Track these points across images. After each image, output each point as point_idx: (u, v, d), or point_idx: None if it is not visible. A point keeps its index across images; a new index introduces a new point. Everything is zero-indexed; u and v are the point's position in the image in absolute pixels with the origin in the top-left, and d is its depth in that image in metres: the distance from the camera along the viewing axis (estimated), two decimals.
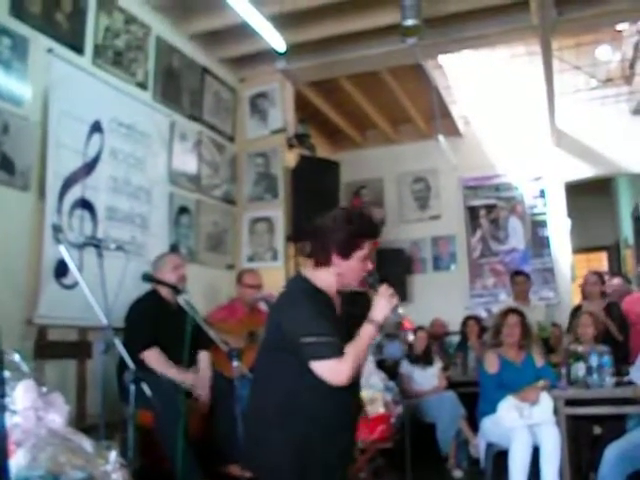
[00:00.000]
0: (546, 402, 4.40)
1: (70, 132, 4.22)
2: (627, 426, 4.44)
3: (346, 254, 2.38)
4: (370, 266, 2.42)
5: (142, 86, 5.06)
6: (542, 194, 7.98)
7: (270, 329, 2.44)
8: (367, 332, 2.33)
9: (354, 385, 2.40)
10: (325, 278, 2.43)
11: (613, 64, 7.07)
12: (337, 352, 2.25)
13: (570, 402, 4.48)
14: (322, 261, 2.44)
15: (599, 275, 5.98)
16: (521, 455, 4.17)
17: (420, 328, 6.44)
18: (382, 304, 2.35)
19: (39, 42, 4.04)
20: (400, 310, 2.37)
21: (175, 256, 4.52)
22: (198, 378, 4.05)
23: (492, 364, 4.71)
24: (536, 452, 4.26)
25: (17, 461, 2.07)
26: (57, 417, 2.42)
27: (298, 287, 2.46)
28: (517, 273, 6.88)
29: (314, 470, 2.30)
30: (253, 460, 2.40)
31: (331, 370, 2.25)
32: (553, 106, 6.97)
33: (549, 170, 7.94)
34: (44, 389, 2.45)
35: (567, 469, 4.29)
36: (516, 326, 4.75)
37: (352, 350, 2.28)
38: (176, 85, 5.51)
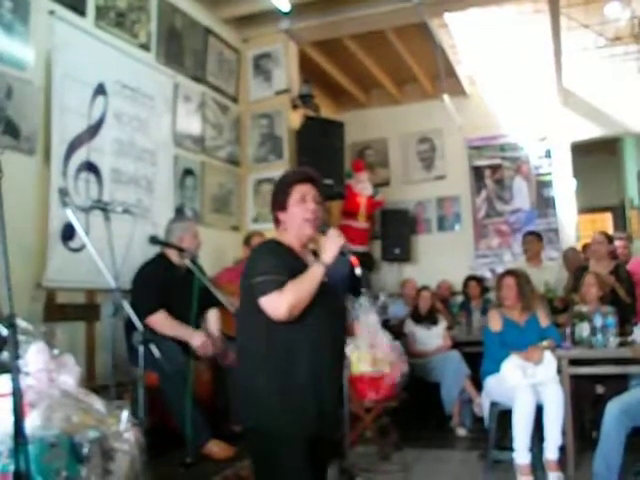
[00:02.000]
0: (550, 361, 4.44)
1: (74, 95, 4.20)
2: (629, 385, 4.49)
3: (282, 206, 2.48)
4: (311, 208, 2.45)
5: (145, 47, 5.02)
6: (548, 154, 7.93)
7: (241, 285, 2.49)
8: (314, 271, 2.35)
9: (330, 319, 2.43)
10: (284, 238, 2.50)
11: (622, 22, 6.96)
12: (279, 286, 2.28)
13: (574, 362, 4.53)
14: (277, 224, 2.55)
15: (606, 235, 5.93)
16: (524, 414, 4.22)
17: (425, 288, 6.48)
18: (329, 246, 2.39)
19: (40, 4, 4.00)
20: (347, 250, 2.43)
21: (194, 223, 4.54)
22: (208, 335, 4.08)
23: (495, 322, 4.75)
24: (539, 411, 4.31)
25: (32, 421, 2.11)
26: (69, 378, 2.46)
27: (263, 244, 2.58)
28: (528, 233, 6.85)
29: (301, 415, 2.31)
30: (243, 413, 2.41)
31: (269, 303, 2.29)
32: (560, 65, 6.90)
33: (555, 130, 7.88)
34: (55, 351, 2.49)
35: (570, 427, 4.35)
36: (510, 288, 4.74)
37: (292, 285, 2.30)
38: (179, 46, 5.47)
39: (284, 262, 2.38)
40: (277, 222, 2.55)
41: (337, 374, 2.50)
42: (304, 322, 2.33)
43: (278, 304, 2.28)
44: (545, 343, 4.56)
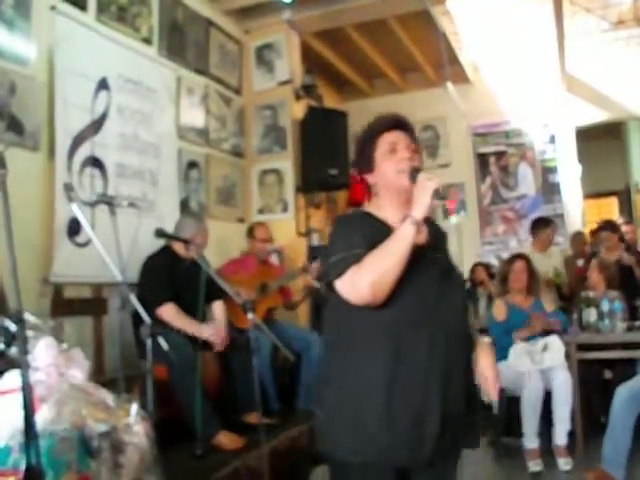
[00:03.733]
0: (558, 347, 4.45)
1: (77, 90, 4.21)
2: (637, 369, 4.49)
3: (369, 165, 2.01)
4: (405, 157, 1.96)
5: (147, 41, 5.02)
6: (552, 140, 7.90)
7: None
8: (401, 232, 1.81)
9: (437, 297, 1.86)
10: (378, 203, 2.02)
11: (625, 5, 6.91)
12: (354, 262, 1.80)
13: (581, 347, 4.53)
14: (367, 193, 2.08)
15: (612, 225, 5.87)
16: (533, 399, 4.23)
17: None
18: (419, 195, 1.86)
19: None
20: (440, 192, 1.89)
21: (202, 223, 4.54)
22: (215, 328, 4.08)
23: (500, 312, 4.75)
24: (548, 396, 4.32)
25: (42, 416, 2.12)
26: (78, 372, 2.47)
27: (342, 217, 2.11)
28: (541, 221, 6.75)
29: (389, 439, 1.76)
30: (319, 437, 1.95)
31: (345, 285, 1.81)
32: (563, 50, 6.86)
33: (559, 115, 7.85)
34: (64, 346, 2.50)
35: (578, 412, 4.37)
36: (522, 272, 4.77)
37: (371, 256, 1.79)
38: (181, 39, 5.46)
39: (366, 234, 1.86)
40: (367, 189, 2.07)
41: (455, 377, 1.85)
42: (398, 305, 1.79)
43: (356, 284, 1.77)
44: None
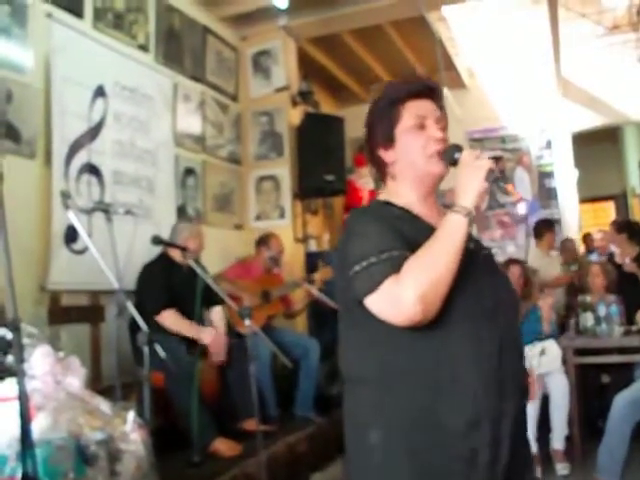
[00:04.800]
0: (555, 351, 4.45)
1: (74, 98, 4.21)
2: (634, 374, 4.49)
3: (388, 138, 1.58)
4: (437, 136, 1.54)
5: (144, 48, 5.02)
6: (548, 145, 7.92)
7: (338, 288, 1.56)
8: (450, 227, 1.40)
9: (493, 310, 1.45)
10: (397, 190, 1.60)
11: (620, 11, 6.94)
12: (392, 269, 1.36)
13: (578, 351, 4.54)
14: (383, 172, 1.64)
15: (618, 225, 5.81)
16: (530, 404, 4.23)
17: None
18: (468, 177, 1.45)
19: (38, 7, 4.00)
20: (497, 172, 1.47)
21: (197, 226, 4.54)
22: (215, 335, 4.07)
23: None
24: (545, 401, 4.32)
25: (39, 424, 2.13)
26: (75, 381, 2.48)
27: (357, 210, 1.66)
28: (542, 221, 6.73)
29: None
30: None
31: (381, 300, 1.36)
32: (559, 55, 6.88)
33: (555, 120, 7.87)
34: (61, 354, 2.50)
35: (576, 417, 4.37)
36: (518, 277, 4.71)
37: (417, 259, 1.36)
38: (178, 46, 5.47)
39: (396, 230, 1.45)
40: (380, 170, 1.64)
41: (515, 410, 1.44)
42: (446, 324, 1.38)
43: (398, 299, 1.33)
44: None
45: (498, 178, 1.45)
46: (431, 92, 1.61)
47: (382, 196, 1.62)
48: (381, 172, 1.64)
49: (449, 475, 1.37)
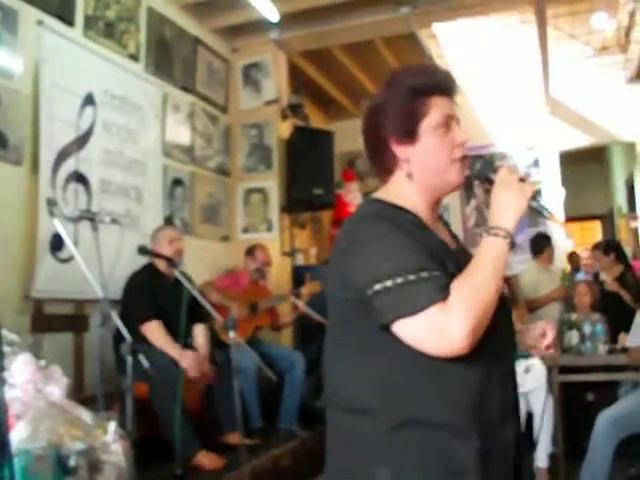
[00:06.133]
0: (539, 369, 4.46)
1: (62, 105, 4.19)
2: (618, 392, 4.50)
3: (410, 133, 1.40)
4: (461, 140, 1.43)
5: (134, 58, 5.01)
6: (536, 163, 7.96)
7: (329, 298, 1.43)
8: (494, 250, 1.30)
9: (501, 343, 1.37)
10: (401, 191, 1.43)
11: (608, 32, 7.02)
12: (438, 294, 1.23)
13: (563, 369, 4.54)
14: (385, 167, 1.46)
15: (603, 246, 5.83)
16: None
17: None
18: (507, 197, 1.37)
19: (29, 14, 3.99)
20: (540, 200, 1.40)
21: (171, 229, 4.51)
22: (195, 356, 3.97)
23: None
24: (529, 418, 4.32)
25: (18, 434, 2.10)
26: (56, 389, 2.44)
27: (364, 212, 1.44)
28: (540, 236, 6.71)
29: None
30: None
31: (424, 328, 1.23)
32: (548, 75, 6.94)
33: (543, 139, 7.92)
34: (42, 362, 2.47)
35: (560, 435, 4.36)
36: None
37: (462, 287, 1.24)
38: (168, 56, 5.47)
39: (423, 243, 1.32)
40: (387, 163, 1.45)
41: (516, 438, 1.39)
42: (473, 355, 1.25)
43: (446, 328, 1.21)
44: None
45: (540, 204, 1.40)
46: (453, 91, 1.50)
47: (380, 195, 1.45)
48: (384, 167, 1.46)
49: None
